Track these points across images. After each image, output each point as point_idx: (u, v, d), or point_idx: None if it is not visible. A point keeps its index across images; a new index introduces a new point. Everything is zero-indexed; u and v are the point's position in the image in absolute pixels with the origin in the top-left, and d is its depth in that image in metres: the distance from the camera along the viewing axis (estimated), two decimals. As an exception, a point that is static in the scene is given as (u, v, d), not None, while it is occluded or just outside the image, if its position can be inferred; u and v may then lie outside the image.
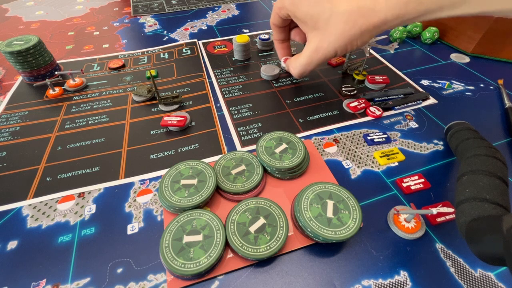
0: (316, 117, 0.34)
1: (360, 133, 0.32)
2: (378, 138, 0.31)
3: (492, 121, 0.34)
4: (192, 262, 0.20)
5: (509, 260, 0.14)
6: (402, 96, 0.37)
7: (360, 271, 0.21)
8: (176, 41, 0.51)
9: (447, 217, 0.24)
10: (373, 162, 0.29)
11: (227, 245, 0.22)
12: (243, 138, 0.32)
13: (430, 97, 0.37)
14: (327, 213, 0.22)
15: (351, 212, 0.22)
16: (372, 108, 0.35)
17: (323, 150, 0.30)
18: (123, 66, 0.44)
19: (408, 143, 0.31)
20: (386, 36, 0.46)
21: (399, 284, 0.21)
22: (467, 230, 0.18)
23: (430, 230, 0.24)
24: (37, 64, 0.39)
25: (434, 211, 0.22)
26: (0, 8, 0.65)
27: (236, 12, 0.62)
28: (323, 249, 0.23)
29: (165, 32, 0.54)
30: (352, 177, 0.28)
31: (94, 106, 0.37)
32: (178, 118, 0.33)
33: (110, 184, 0.27)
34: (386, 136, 0.31)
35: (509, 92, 0.37)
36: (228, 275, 0.21)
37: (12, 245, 0.23)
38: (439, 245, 0.23)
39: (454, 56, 0.45)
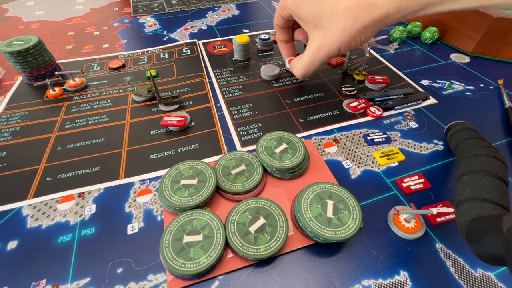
0: (316, 117, 0.34)
1: (360, 133, 0.32)
2: (378, 138, 0.31)
3: (492, 121, 0.34)
4: (192, 262, 0.20)
5: (509, 260, 0.14)
6: (402, 96, 0.37)
7: (360, 271, 0.21)
8: (176, 41, 0.51)
9: (447, 217, 0.24)
10: (373, 162, 0.29)
11: (227, 245, 0.22)
12: (243, 138, 0.32)
13: (430, 97, 0.37)
14: (327, 213, 0.22)
15: (351, 212, 0.22)
16: (372, 108, 0.35)
17: (323, 150, 0.30)
18: (123, 66, 0.44)
19: (408, 143, 0.31)
20: (386, 36, 0.46)
21: (399, 284, 0.21)
22: (467, 230, 0.18)
23: (430, 230, 0.24)
24: (37, 64, 0.39)
25: (434, 211, 0.22)
26: (0, 8, 0.65)
27: (236, 12, 0.62)
28: (323, 249, 0.23)
29: (165, 32, 0.54)
30: (352, 177, 0.28)
31: (94, 106, 0.37)
32: (178, 118, 0.33)
33: (110, 184, 0.27)
34: (386, 136, 0.31)
35: (509, 92, 0.37)
36: (228, 275, 0.21)
37: (12, 245, 0.23)
38: (439, 245, 0.23)
39: (454, 56, 0.45)
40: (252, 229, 0.22)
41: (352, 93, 0.37)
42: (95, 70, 0.44)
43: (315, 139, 0.32)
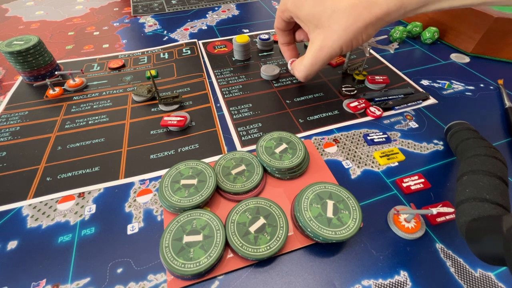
0: (316, 117, 0.34)
1: (360, 133, 0.32)
2: (378, 138, 0.31)
3: (492, 121, 0.34)
4: (192, 262, 0.20)
5: (509, 260, 0.14)
6: (402, 96, 0.37)
7: (360, 271, 0.21)
8: (176, 41, 0.51)
9: (447, 217, 0.24)
10: (373, 162, 0.29)
11: (227, 245, 0.22)
12: (243, 138, 0.32)
13: (430, 97, 0.37)
14: (327, 213, 0.22)
15: (351, 212, 0.22)
16: (372, 108, 0.35)
17: (323, 150, 0.30)
18: (123, 66, 0.44)
19: (408, 143, 0.31)
20: (386, 36, 0.46)
21: (399, 284, 0.21)
22: (467, 230, 0.18)
23: (430, 230, 0.24)
24: (37, 64, 0.39)
25: (434, 211, 0.22)
26: (0, 8, 0.65)
27: (236, 12, 0.62)
28: (323, 249, 0.23)
29: (165, 32, 0.54)
30: (352, 177, 0.28)
31: (94, 106, 0.37)
32: (178, 118, 0.33)
33: (110, 184, 0.27)
34: (386, 136, 0.31)
35: (509, 92, 0.37)
36: (228, 275, 0.21)
37: (12, 245, 0.23)
38: (439, 245, 0.23)
39: (454, 56, 0.45)
40: (252, 229, 0.22)
41: (352, 93, 0.37)
42: (95, 70, 0.44)
43: (315, 139, 0.32)
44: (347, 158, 0.30)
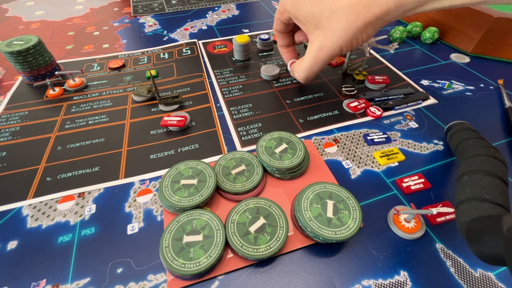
0: (316, 117, 0.34)
1: (360, 133, 0.32)
2: (378, 138, 0.31)
3: (492, 121, 0.34)
4: (192, 262, 0.20)
5: (509, 260, 0.14)
6: (402, 96, 0.37)
7: (360, 271, 0.21)
8: (176, 41, 0.51)
9: (447, 217, 0.24)
10: (373, 162, 0.29)
11: (227, 245, 0.22)
12: (243, 138, 0.32)
13: (430, 97, 0.37)
14: (327, 213, 0.22)
15: (351, 212, 0.22)
16: (372, 108, 0.35)
17: (323, 150, 0.30)
18: (123, 66, 0.44)
19: (408, 143, 0.31)
20: (386, 36, 0.46)
21: (399, 284, 0.21)
22: (467, 230, 0.18)
23: (430, 230, 0.24)
24: (37, 64, 0.39)
25: (434, 211, 0.22)
26: (0, 8, 0.65)
27: (236, 12, 0.62)
28: (323, 249, 0.23)
29: (165, 32, 0.54)
30: (352, 177, 0.28)
31: (94, 106, 0.37)
32: (178, 118, 0.33)
33: (110, 184, 0.27)
34: (386, 136, 0.31)
35: (509, 92, 0.37)
36: (228, 275, 0.21)
37: (12, 245, 0.23)
38: (439, 245, 0.23)
39: (454, 56, 0.45)
40: (252, 229, 0.22)
41: (352, 93, 0.37)
42: (95, 70, 0.44)
43: (315, 139, 0.32)
44: (347, 158, 0.30)
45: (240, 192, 0.25)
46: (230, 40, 0.51)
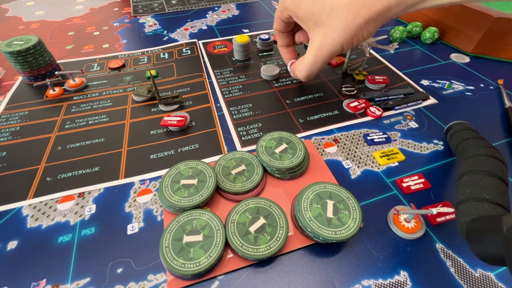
0: (316, 117, 0.34)
1: (360, 133, 0.32)
2: (378, 138, 0.31)
3: (492, 121, 0.34)
4: (192, 262, 0.20)
5: (509, 260, 0.14)
6: (402, 96, 0.37)
7: (360, 271, 0.21)
8: (176, 41, 0.51)
9: (447, 217, 0.24)
10: (373, 162, 0.29)
11: (227, 245, 0.22)
12: (243, 138, 0.32)
13: (430, 97, 0.37)
14: (327, 213, 0.22)
15: (351, 212, 0.22)
16: (372, 108, 0.35)
17: (323, 150, 0.30)
18: (123, 66, 0.44)
19: (408, 143, 0.31)
20: (386, 36, 0.46)
21: (399, 284, 0.21)
22: (467, 230, 0.18)
23: (430, 230, 0.24)
24: (37, 64, 0.39)
25: (434, 211, 0.22)
26: (0, 8, 0.65)
27: (236, 12, 0.62)
28: (323, 249, 0.23)
29: (165, 32, 0.54)
30: (352, 177, 0.28)
31: (94, 106, 0.37)
32: (178, 118, 0.33)
33: (110, 184, 0.27)
34: (386, 136, 0.31)
35: (509, 92, 0.37)
36: (228, 275, 0.21)
37: (12, 245, 0.23)
38: (439, 245, 0.23)
39: (454, 56, 0.45)
40: (252, 229, 0.22)
41: (352, 93, 0.37)
42: (95, 70, 0.44)
43: (315, 139, 0.32)
44: (347, 158, 0.30)
45: (240, 192, 0.25)
46: (230, 40, 0.51)
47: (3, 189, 0.27)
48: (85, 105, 0.37)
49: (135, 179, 0.28)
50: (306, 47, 0.48)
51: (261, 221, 0.22)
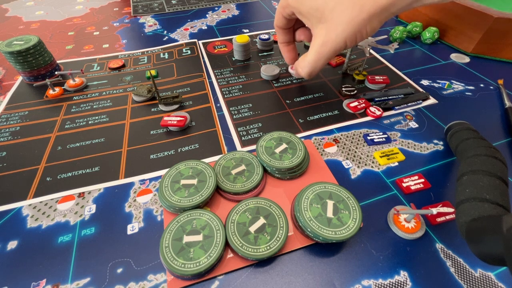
0: (316, 117, 0.34)
1: (360, 133, 0.32)
2: (378, 138, 0.31)
3: (492, 121, 0.34)
4: (192, 262, 0.20)
5: (509, 260, 0.14)
6: (402, 96, 0.37)
7: (360, 271, 0.21)
8: (176, 41, 0.51)
9: (447, 217, 0.24)
10: (373, 162, 0.29)
11: (227, 245, 0.22)
12: (243, 138, 0.32)
13: (430, 97, 0.37)
14: (327, 213, 0.22)
15: (351, 212, 0.22)
16: (372, 108, 0.35)
17: (323, 150, 0.30)
18: (123, 66, 0.44)
19: (408, 143, 0.31)
20: (386, 36, 0.46)
21: (399, 284, 0.21)
22: (467, 230, 0.18)
23: (430, 230, 0.24)
24: (37, 64, 0.39)
25: (434, 211, 0.22)
26: (0, 8, 0.65)
27: (236, 12, 0.62)
28: (323, 249, 0.23)
29: (165, 32, 0.54)
30: (352, 177, 0.28)
31: (94, 106, 0.37)
32: (178, 118, 0.33)
33: (110, 184, 0.27)
34: (386, 136, 0.31)
35: (509, 92, 0.37)
36: (228, 275, 0.21)
37: (12, 245, 0.23)
38: (439, 245, 0.23)
39: (454, 56, 0.45)
40: (252, 229, 0.22)
41: (352, 93, 0.37)
42: (95, 70, 0.44)
43: (315, 139, 0.32)
44: (347, 158, 0.30)
45: (240, 192, 0.25)
46: (230, 40, 0.51)
47: (3, 189, 0.27)
48: (85, 105, 0.37)
49: (135, 179, 0.28)
50: (305, 46, 0.48)
51: (261, 221, 0.22)
